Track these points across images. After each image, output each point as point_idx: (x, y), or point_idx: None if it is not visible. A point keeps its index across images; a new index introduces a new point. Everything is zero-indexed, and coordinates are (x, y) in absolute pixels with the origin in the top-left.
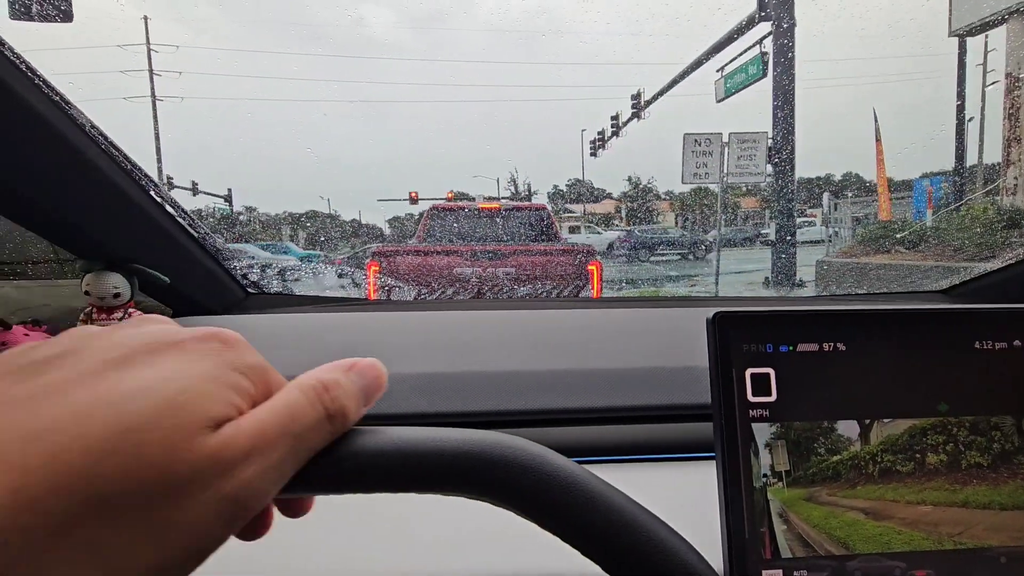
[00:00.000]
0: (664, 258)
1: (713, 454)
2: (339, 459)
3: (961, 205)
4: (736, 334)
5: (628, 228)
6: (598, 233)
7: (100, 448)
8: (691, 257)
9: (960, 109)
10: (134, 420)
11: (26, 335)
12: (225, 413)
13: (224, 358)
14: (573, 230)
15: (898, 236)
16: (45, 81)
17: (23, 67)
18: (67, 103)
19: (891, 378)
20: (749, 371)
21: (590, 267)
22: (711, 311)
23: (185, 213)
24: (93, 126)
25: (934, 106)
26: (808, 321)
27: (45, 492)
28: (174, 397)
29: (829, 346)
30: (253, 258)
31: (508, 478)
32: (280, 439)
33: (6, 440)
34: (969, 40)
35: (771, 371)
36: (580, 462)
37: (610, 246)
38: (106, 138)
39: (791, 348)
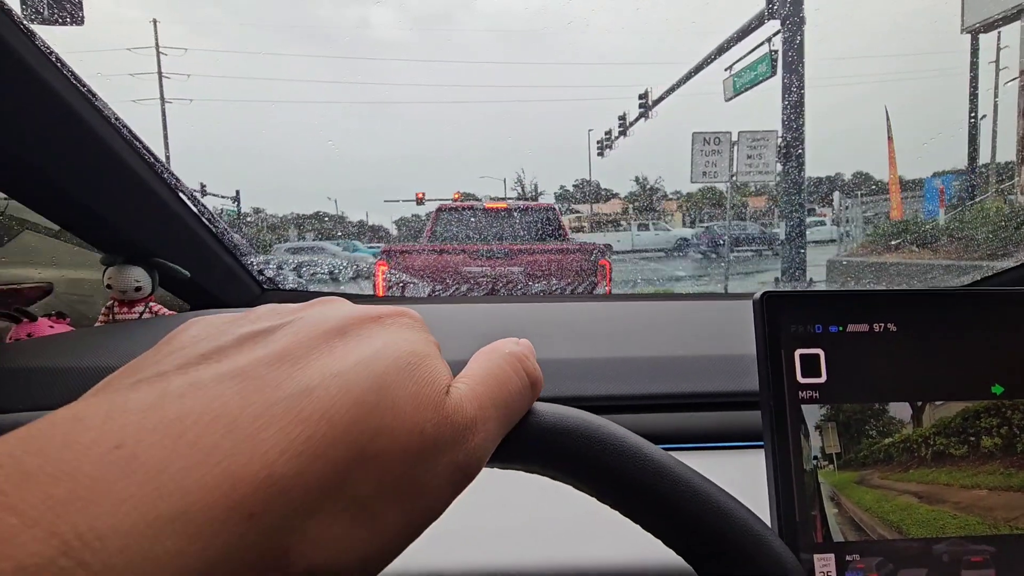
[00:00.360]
0: (744, 254)
1: (760, 442)
2: (535, 430)
3: (974, 203)
4: (784, 314)
5: (707, 225)
6: (667, 230)
7: (363, 403)
8: (769, 252)
9: (972, 107)
10: (384, 379)
11: (51, 327)
12: (448, 379)
13: (420, 331)
14: (642, 227)
15: (911, 234)
16: (74, 74)
17: (54, 60)
18: (93, 95)
19: (943, 360)
20: (798, 352)
21: (601, 264)
22: (734, 307)
23: (205, 209)
24: (118, 118)
25: (946, 104)
26: (858, 301)
27: (326, 443)
28: (409, 359)
29: (880, 326)
30: (334, 255)
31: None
32: (494, 408)
33: (282, 396)
34: (982, 37)
35: (820, 352)
36: None
37: (682, 242)
38: (131, 132)
39: (841, 328)
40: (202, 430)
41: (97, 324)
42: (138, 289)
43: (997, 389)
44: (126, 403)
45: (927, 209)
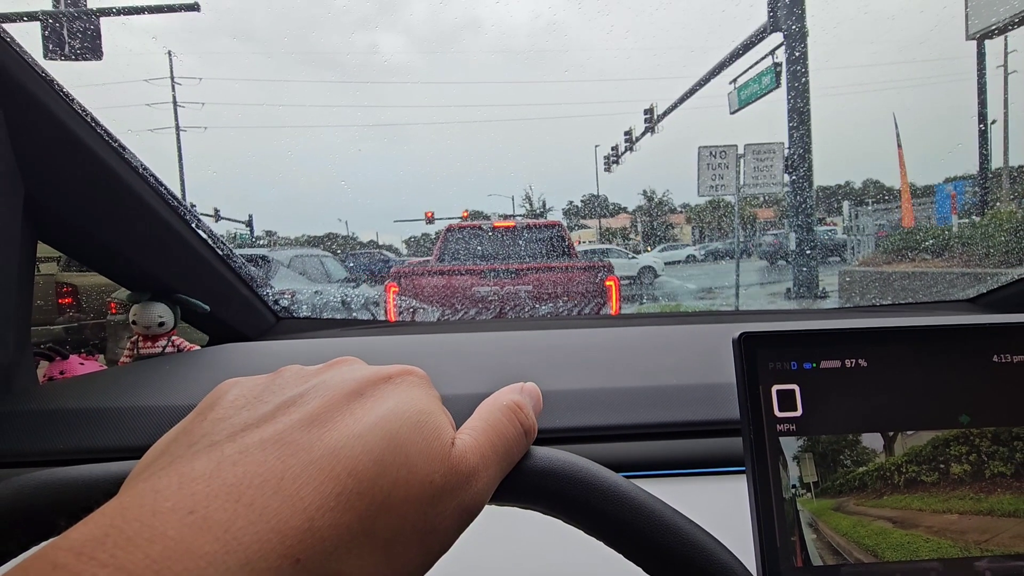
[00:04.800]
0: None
1: (742, 468)
2: (528, 473)
3: (987, 209)
4: (761, 353)
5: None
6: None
7: (381, 460)
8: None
9: (982, 112)
10: (397, 439)
11: (81, 364)
12: (451, 432)
13: (425, 388)
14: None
15: (923, 244)
16: (106, 130)
17: (88, 119)
18: (124, 148)
19: (912, 391)
20: (775, 387)
21: (608, 283)
22: (734, 328)
23: (223, 244)
24: (145, 167)
25: (955, 110)
26: (829, 339)
27: (354, 497)
28: (417, 418)
29: (851, 362)
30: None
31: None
32: (494, 456)
33: (315, 458)
34: (988, 42)
35: (796, 387)
36: None
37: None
38: (155, 178)
39: (814, 365)
40: (255, 493)
41: (123, 359)
42: (161, 324)
43: (964, 418)
44: (192, 472)
45: (939, 216)
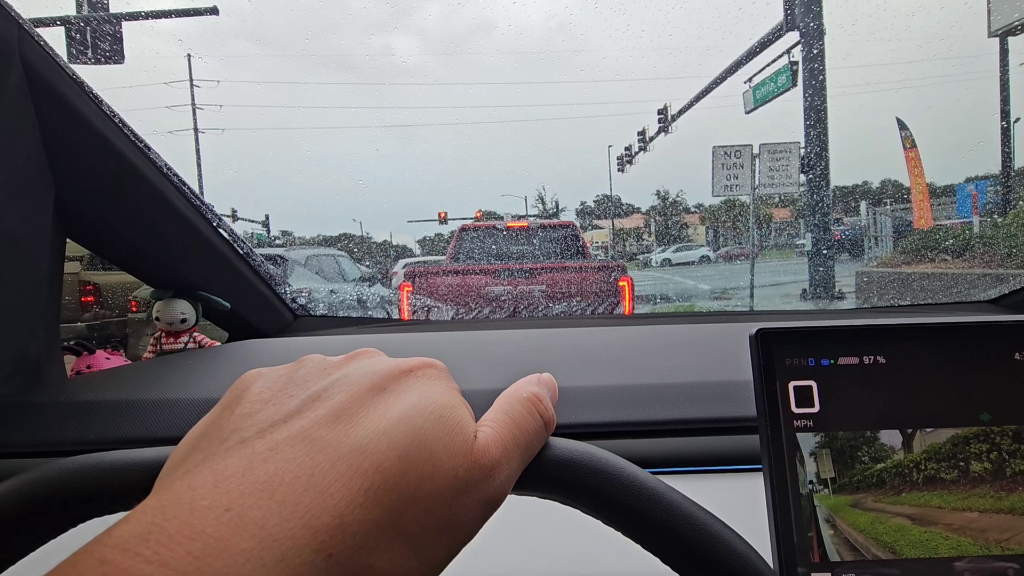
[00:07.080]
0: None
1: (758, 465)
2: (548, 464)
3: (1010, 209)
4: (778, 349)
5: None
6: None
7: (407, 456)
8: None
9: (1005, 110)
10: (421, 434)
11: (107, 359)
12: (473, 425)
13: (445, 381)
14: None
15: (942, 243)
16: (133, 132)
17: (116, 120)
18: (149, 148)
19: (932, 389)
20: (792, 384)
21: (621, 283)
22: (750, 327)
23: (244, 244)
24: (169, 167)
25: (976, 108)
26: (847, 336)
27: (381, 492)
28: (440, 412)
29: (869, 359)
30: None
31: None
32: (515, 448)
33: (342, 454)
34: (1011, 39)
35: (813, 384)
36: None
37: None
38: (179, 178)
39: (832, 362)
40: (287, 490)
41: (146, 355)
42: (183, 321)
43: (985, 416)
44: (225, 469)
45: (960, 216)
